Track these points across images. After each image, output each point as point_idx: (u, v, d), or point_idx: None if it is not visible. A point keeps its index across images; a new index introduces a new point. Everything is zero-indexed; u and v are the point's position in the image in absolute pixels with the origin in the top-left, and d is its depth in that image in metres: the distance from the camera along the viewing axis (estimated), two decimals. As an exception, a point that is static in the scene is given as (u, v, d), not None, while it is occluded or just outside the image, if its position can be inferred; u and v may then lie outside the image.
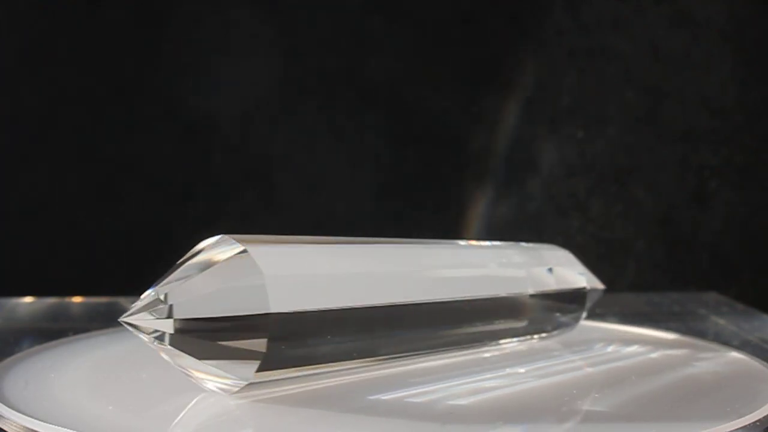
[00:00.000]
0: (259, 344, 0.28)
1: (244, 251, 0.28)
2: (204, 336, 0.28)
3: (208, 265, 0.28)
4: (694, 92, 0.64)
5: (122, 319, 0.28)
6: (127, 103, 0.62)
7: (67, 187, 0.61)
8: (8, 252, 0.61)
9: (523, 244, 0.41)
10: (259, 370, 0.28)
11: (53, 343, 0.39)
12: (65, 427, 0.27)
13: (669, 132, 0.64)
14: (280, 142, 0.63)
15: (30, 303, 0.53)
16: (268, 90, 0.62)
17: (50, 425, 0.27)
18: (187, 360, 0.29)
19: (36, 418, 0.27)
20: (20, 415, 0.28)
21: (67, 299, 0.54)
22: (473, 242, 0.40)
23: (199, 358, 0.28)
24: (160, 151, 0.62)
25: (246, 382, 0.29)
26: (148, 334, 0.28)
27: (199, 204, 0.62)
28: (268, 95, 0.62)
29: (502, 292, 0.36)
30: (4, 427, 0.28)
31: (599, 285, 0.42)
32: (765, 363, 0.37)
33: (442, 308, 0.34)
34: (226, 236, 0.29)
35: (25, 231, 0.61)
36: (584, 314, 0.41)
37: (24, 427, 0.27)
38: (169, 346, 0.28)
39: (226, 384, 0.29)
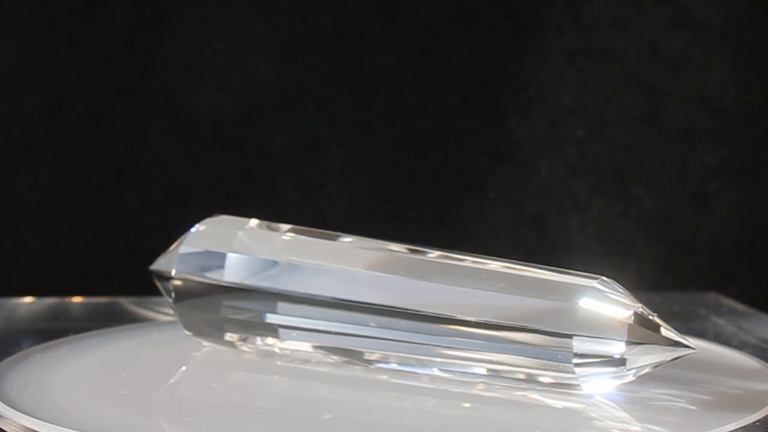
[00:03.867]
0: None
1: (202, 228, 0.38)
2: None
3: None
4: (694, 92, 0.64)
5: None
6: (127, 103, 0.61)
7: (67, 187, 0.61)
8: (8, 252, 0.61)
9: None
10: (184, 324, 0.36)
11: (53, 343, 0.39)
12: (65, 427, 0.27)
13: (669, 132, 0.64)
14: (280, 142, 0.63)
15: (30, 303, 0.53)
16: (268, 90, 0.62)
17: (50, 425, 0.27)
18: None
19: (36, 418, 0.27)
20: (20, 414, 0.28)
21: (67, 299, 0.54)
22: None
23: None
24: (160, 151, 0.62)
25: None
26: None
27: (199, 204, 0.62)
28: (268, 95, 0.62)
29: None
30: (4, 427, 0.28)
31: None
32: (765, 363, 0.37)
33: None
34: (223, 217, 0.40)
35: (25, 231, 0.61)
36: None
37: (24, 427, 0.27)
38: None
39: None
